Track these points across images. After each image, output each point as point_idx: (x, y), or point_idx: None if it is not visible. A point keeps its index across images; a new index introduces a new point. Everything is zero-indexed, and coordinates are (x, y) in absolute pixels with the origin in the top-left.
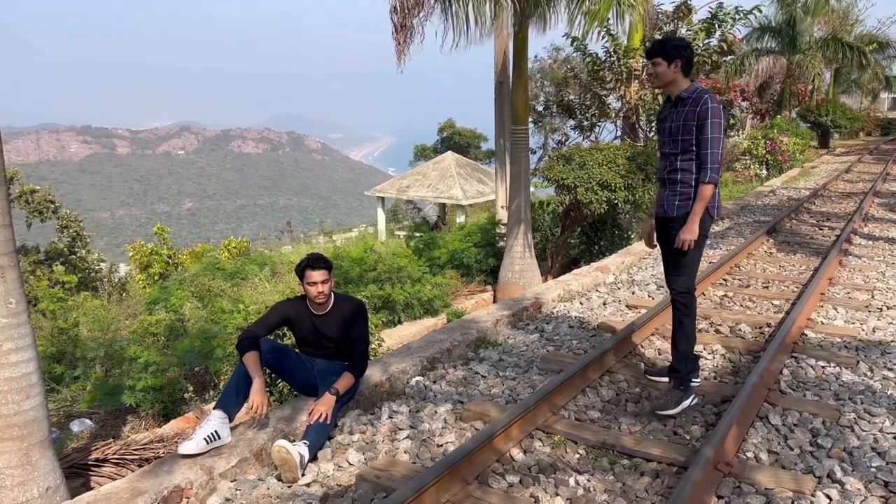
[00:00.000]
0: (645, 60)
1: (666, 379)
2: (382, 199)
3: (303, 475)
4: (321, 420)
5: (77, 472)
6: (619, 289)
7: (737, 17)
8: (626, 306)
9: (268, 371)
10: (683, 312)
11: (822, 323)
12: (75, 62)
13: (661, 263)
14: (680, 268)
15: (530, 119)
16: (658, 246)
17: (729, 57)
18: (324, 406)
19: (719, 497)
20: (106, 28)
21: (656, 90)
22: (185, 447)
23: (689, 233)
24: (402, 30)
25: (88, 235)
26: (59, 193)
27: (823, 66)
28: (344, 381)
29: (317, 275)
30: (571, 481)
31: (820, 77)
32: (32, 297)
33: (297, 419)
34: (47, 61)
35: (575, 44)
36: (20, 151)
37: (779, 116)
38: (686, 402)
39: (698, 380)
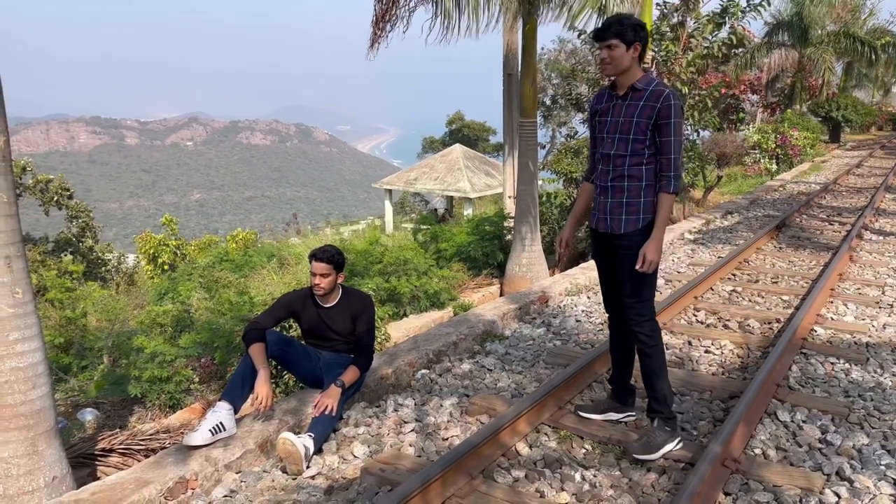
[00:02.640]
0: (595, 44)
1: (599, 417)
2: (390, 191)
3: (308, 467)
4: (326, 412)
5: (83, 462)
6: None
7: (746, 9)
8: None
9: (273, 363)
10: (649, 345)
11: (832, 319)
12: (83, 53)
13: (604, 281)
14: (638, 293)
15: (539, 112)
16: (596, 266)
17: (739, 50)
18: (329, 398)
19: (727, 494)
20: (111, 19)
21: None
22: (191, 438)
23: (656, 252)
24: (380, 21)
25: (98, 226)
26: (68, 183)
27: (835, 59)
28: (350, 374)
29: (318, 266)
30: (577, 476)
31: (830, 71)
32: (41, 286)
33: (303, 411)
34: (56, 52)
35: (581, 37)
36: (30, 142)
37: (789, 110)
38: (669, 446)
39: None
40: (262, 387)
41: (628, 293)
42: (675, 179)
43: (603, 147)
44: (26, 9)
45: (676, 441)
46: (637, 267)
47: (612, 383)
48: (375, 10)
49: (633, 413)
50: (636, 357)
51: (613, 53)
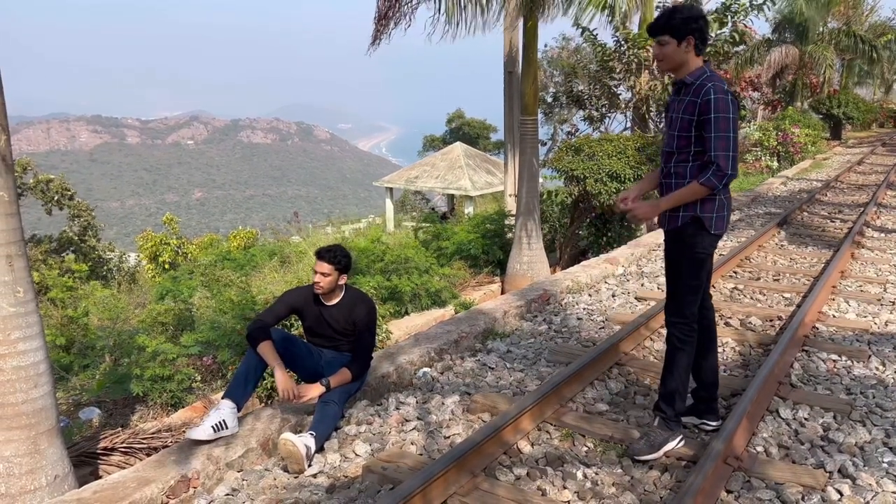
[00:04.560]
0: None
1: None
2: (391, 189)
3: (309, 466)
4: (290, 398)
5: (85, 461)
6: (628, 280)
7: (750, 8)
8: (636, 298)
9: None
10: (675, 345)
11: (834, 316)
12: (84, 52)
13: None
14: (674, 291)
15: (540, 110)
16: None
17: (740, 47)
18: (309, 391)
19: (729, 491)
20: (113, 19)
21: (667, 80)
22: (194, 432)
23: (644, 210)
24: (383, 18)
25: (99, 225)
26: (69, 183)
27: (835, 57)
28: (338, 377)
29: (321, 265)
30: (579, 474)
31: (832, 68)
32: (43, 285)
33: (305, 410)
34: (58, 51)
35: (584, 34)
36: (31, 141)
37: (790, 108)
38: (670, 445)
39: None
40: (286, 382)
41: (668, 290)
42: (713, 176)
43: (664, 143)
44: (28, 8)
45: (678, 440)
46: (615, 209)
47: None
48: (378, 6)
49: (712, 424)
50: (709, 365)
51: (665, 50)
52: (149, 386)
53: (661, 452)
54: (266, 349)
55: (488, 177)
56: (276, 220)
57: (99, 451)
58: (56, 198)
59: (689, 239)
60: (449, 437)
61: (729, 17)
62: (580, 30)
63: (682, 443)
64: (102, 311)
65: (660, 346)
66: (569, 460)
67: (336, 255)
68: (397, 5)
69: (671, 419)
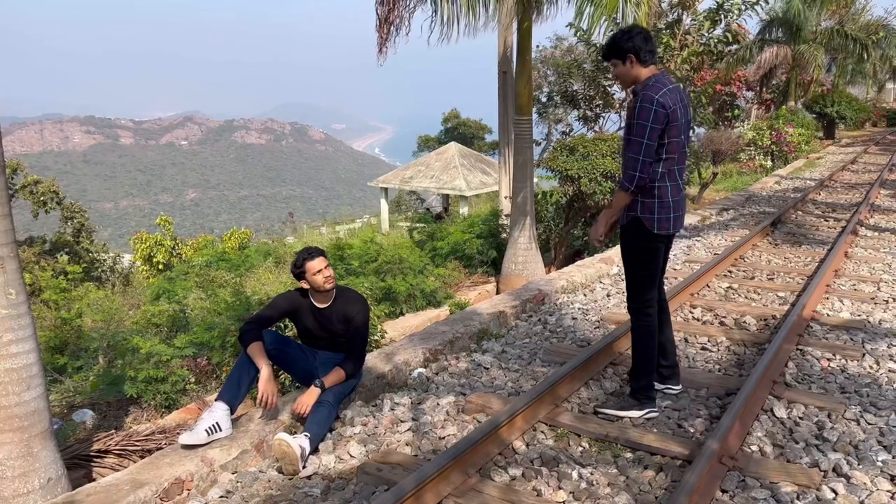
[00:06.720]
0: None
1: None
2: (386, 189)
3: (304, 467)
4: (299, 411)
5: (79, 464)
6: (622, 280)
7: (743, 7)
8: None
9: (271, 363)
10: (635, 327)
11: (828, 315)
12: (77, 52)
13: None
14: (627, 279)
15: (534, 110)
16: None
17: (734, 46)
18: (307, 399)
19: (724, 491)
20: (109, 17)
21: None
22: (186, 437)
23: (593, 229)
24: (384, 23)
25: (93, 226)
26: (62, 184)
27: (825, 56)
28: (333, 376)
29: (318, 262)
30: (574, 474)
31: (820, 68)
32: (36, 287)
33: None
34: (50, 50)
35: (578, 34)
36: (24, 142)
37: (784, 107)
38: (633, 413)
39: (655, 411)
40: (267, 384)
41: (626, 280)
42: (625, 178)
43: None
44: (21, 6)
45: (641, 413)
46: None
47: None
48: (378, 12)
49: (675, 389)
50: (666, 339)
51: (616, 71)
52: (143, 387)
53: (620, 413)
54: (255, 350)
55: (483, 177)
56: (270, 221)
57: (92, 454)
58: (43, 199)
59: (632, 235)
60: (444, 438)
61: (722, 16)
62: (574, 30)
63: (646, 416)
64: (96, 313)
65: None
66: (564, 460)
67: (318, 249)
68: (396, 9)
69: (638, 393)
